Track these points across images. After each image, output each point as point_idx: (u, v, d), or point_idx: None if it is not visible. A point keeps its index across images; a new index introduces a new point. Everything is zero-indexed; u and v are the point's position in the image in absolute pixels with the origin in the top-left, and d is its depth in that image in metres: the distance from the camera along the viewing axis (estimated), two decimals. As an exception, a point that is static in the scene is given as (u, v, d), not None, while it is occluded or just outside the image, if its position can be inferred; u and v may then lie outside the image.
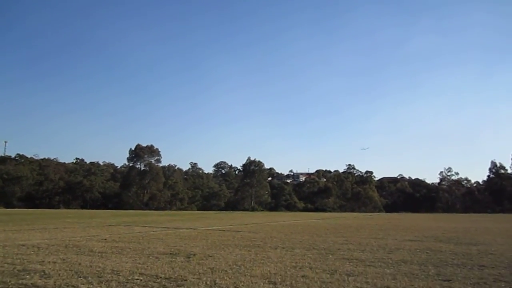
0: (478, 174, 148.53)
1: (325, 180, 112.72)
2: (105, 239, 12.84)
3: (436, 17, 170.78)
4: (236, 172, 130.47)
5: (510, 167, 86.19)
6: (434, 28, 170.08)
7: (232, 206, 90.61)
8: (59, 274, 6.66)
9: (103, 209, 76.35)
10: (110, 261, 8.17)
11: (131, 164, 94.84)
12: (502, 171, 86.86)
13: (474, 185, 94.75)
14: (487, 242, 13.11)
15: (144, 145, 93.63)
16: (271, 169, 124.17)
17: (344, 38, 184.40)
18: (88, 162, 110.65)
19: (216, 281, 6.19)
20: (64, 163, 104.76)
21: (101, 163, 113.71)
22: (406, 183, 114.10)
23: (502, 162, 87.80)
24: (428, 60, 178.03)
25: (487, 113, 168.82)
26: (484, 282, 6.39)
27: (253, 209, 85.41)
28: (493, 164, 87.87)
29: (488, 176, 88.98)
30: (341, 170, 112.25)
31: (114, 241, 12.20)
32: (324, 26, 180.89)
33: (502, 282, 6.37)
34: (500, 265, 8.15)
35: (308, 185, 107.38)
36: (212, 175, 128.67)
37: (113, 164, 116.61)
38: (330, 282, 6.23)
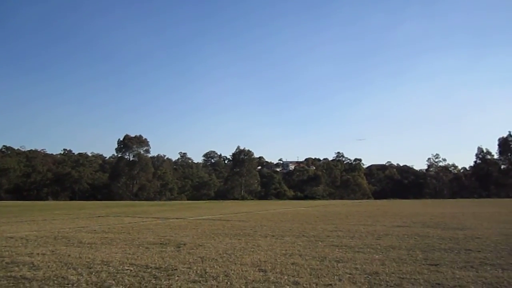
0: (465, 160, 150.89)
1: (314, 168, 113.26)
2: (95, 230, 12.79)
3: (424, 2, 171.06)
4: (226, 162, 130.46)
5: (496, 153, 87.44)
6: (422, 13, 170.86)
7: (222, 195, 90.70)
8: (48, 266, 6.63)
9: (92, 200, 75.87)
10: (100, 252, 8.15)
11: (119, 155, 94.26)
12: (489, 157, 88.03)
13: (461, 171, 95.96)
14: (474, 226, 13.32)
15: (133, 135, 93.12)
16: (260, 158, 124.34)
17: (332, 25, 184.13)
18: (76, 153, 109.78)
19: (207, 270, 6.22)
20: (52, 154, 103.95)
21: (90, 154, 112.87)
22: (395, 170, 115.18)
23: (488, 148, 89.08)
24: (416, 46, 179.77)
25: (474, 100, 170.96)
26: (470, 265, 6.50)
27: (243, 198, 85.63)
28: (480, 150, 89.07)
29: (475, 162, 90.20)
30: (330, 158, 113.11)
31: (103, 232, 12.16)
32: (311, 13, 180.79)
33: (488, 266, 6.48)
34: (486, 248, 8.29)
35: (297, 173, 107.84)
36: (201, 165, 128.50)
37: (101, 155, 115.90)
38: (319, 269, 6.29)
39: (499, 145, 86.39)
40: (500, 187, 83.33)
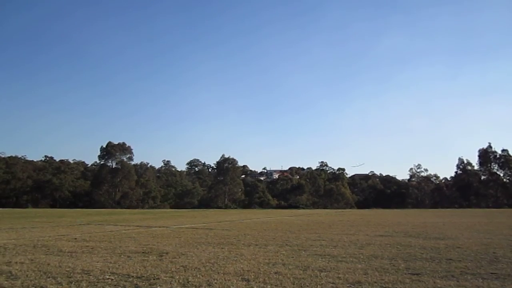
0: (446, 170, 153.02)
1: (298, 177, 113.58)
2: (75, 239, 12.59)
3: (407, 12, 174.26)
4: (210, 170, 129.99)
5: (477, 164, 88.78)
6: (404, 24, 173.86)
7: (205, 204, 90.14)
8: (27, 275, 6.50)
9: (73, 208, 74.68)
10: (81, 260, 8.03)
11: (102, 162, 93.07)
12: (469, 167, 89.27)
13: (443, 181, 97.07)
14: (454, 236, 13.49)
15: (116, 142, 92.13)
16: (244, 166, 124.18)
17: (316, 33, 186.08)
18: (57, 160, 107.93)
19: (189, 279, 6.17)
20: (33, 161, 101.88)
21: (71, 161, 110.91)
22: (377, 179, 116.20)
23: (469, 159, 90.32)
24: (397, 57, 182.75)
25: (455, 111, 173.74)
26: (451, 275, 6.58)
27: (226, 207, 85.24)
28: (461, 161, 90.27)
29: (456, 172, 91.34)
30: (314, 167, 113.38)
31: (84, 241, 11.98)
32: (295, 22, 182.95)
33: (469, 275, 6.56)
34: (466, 258, 8.40)
35: (281, 182, 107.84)
36: (185, 173, 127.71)
37: (83, 162, 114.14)
38: (302, 278, 6.29)
39: (479, 156, 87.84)
40: (480, 197, 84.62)
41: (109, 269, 7.05)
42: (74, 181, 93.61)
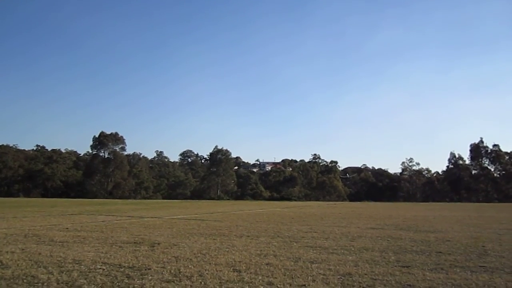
0: (438, 164, 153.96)
1: (290, 169, 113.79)
2: (67, 228, 12.56)
3: (401, 5, 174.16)
4: (203, 161, 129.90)
5: (468, 158, 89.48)
6: (398, 17, 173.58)
7: (198, 195, 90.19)
8: (18, 264, 6.48)
9: (65, 197, 74.41)
10: (72, 250, 8.01)
11: (94, 152, 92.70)
12: (460, 162, 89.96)
13: (434, 175, 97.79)
14: (445, 229, 13.61)
15: (108, 132, 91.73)
16: (237, 158, 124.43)
17: (310, 27, 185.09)
18: (49, 149, 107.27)
19: (181, 270, 6.18)
20: (24, 150, 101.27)
21: (63, 151, 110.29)
22: (370, 173, 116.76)
23: (460, 153, 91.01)
24: (391, 51, 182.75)
25: (448, 106, 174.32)
26: (441, 267, 6.65)
27: (219, 198, 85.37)
28: (452, 155, 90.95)
29: (447, 166, 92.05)
30: (306, 160, 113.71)
31: (76, 230, 11.95)
32: (289, 14, 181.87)
33: (458, 268, 6.63)
34: (456, 251, 8.48)
35: (274, 174, 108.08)
36: (178, 164, 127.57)
37: (75, 151, 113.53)
38: (294, 269, 6.33)
39: (470, 150, 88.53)
40: (471, 191, 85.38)
41: (100, 259, 7.05)
42: (66, 170, 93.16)
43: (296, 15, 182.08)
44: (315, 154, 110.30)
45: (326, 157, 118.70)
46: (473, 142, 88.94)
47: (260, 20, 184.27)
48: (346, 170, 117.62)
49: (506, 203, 68.56)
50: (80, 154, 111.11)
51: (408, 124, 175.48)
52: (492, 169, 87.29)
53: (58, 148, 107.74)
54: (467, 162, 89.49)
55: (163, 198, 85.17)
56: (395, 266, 6.76)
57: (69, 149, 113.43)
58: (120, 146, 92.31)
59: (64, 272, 5.92)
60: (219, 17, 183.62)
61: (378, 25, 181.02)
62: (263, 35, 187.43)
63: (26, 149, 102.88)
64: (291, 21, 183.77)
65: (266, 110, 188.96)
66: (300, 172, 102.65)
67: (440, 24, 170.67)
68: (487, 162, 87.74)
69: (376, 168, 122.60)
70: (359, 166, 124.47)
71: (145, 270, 6.15)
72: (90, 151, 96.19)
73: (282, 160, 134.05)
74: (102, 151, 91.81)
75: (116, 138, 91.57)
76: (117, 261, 6.81)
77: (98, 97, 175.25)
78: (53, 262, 6.72)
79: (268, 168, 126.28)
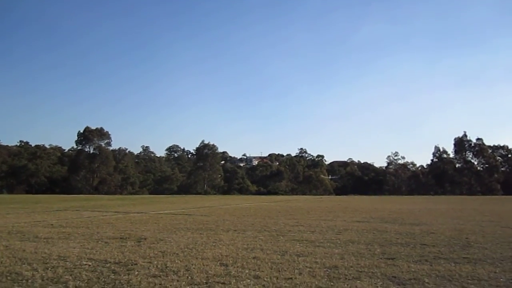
0: (422, 158, 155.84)
1: (277, 163, 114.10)
2: (52, 225, 12.43)
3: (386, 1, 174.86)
4: (189, 156, 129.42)
5: (452, 152, 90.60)
6: (384, 11, 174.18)
7: (184, 190, 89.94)
8: (1, 262, 6.40)
9: (49, 194, 73.55)
10: (57, 247, 7.94)
11: (79, 147, 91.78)
12: (445, 155, 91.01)
13: (419, 168, 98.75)
14: (429, 222, 13.79)
15: (94, 127, 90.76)
16: (224, 152, 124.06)
17: (295, 21, 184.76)
18: (33, 145, 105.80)
19: (167, 264, 6.17)
20: (7, 146, 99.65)
21: (48, 146, 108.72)
22: (356, 166, 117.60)
23: (444, 147, 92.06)
24: (376, 46, 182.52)
25: (432, 100, 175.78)
26: (425, 259, 6.75)
27: (206, 193, 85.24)
28: (437, 149, 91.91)
29: (432, 160, 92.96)
30: (293, 154, 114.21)
31: (61, 227, 11.84)
32: (275, 9, 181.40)
33: (442, 259, 6.74)
34: (440, 243, 8.61)
35: (260, 168, 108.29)
36: (164, 159, 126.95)
37: (60, 147, 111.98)
38: (280, 263, 6.36)
39: (454, 144, 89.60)
40: (455, 184, 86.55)
41: (86, 255, 7.00)
42: (50, 166, 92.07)
43: (282, 10, 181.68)
44: (301, 148, 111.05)
45: (313, 151, 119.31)
46: (457, 136, 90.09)
47: (247, 16, 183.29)
48: (332, 164, 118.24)
49: (489, 195, 69.78)
50: (65, 149, 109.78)
51: (393, 118, 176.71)
52: (476, 163, 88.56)
53: (42, 143, 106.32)
54: (451, 155, 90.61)
55: (150, 193, 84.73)
56: (381, 258, 6.85)
57: (54, 144, 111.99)
58: (105, 141, 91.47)
59: (49, 269, 5.87)
60: (206, 13, 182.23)
61: (363, 18, 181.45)
62: (249, 30, 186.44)
63: (9, 145, 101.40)
64: (277, 16, 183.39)
65: (253, 104, 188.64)
66: (287, 167, 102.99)
67: (425, 17, 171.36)
68: (470, 156, 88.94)
69: (362, 162, 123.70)
70: (345, 160, 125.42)
71: (132, 265, 6.12)
72: (75, 147, 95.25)
73: (269, 155, 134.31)
74: (87, 147, 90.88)
75: (101, 133, 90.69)
76: (103, 257, 6.78)
77: (84, 93, 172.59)
78: (38, 258, 6.66)
79: (255, 162, 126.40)
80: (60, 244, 8.24)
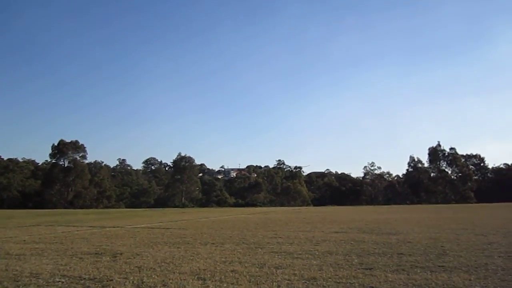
0: (398, 168, 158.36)
1: (255, 175, 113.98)
2: (24, 241, 12.10)
3: (360, 14, 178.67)
4: (166, 168, 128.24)
5: (426, 162, 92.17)
6: (357, 26, 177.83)
7: (162, 203, 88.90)
8: (-30, 280, 6.18)
9: (22, 208, 71.63)
10: (29, 263, 7.72)
11: (53, 161, 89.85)
12: (420, 165, 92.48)
13: (395, 178, 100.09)
14: (406, 231, 13.95)
15: (69, 140, 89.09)
16: (202, 165, 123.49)
17: (273, 30, 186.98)
18: (5, 158, 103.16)
19: (144, 280, 6.06)
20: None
21: (21, 160, 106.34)
22: (333, 177, 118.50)
23: (419, 157, 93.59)
24: (352, 58, 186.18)
25: (406, 111, 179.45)
26: (402, 268, 6.81)
27: (183, 206, 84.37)
28: (412, 158, 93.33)
29: (407, 170, 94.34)
30: (271, 166, 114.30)
31: (33, 242, 11.53)
32: (252, 18, 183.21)
33: (418, 268, 6.81)
34: (416, 252, 8.71)
35: (239, 180, 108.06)
36: (141, 172, 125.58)
37: (33, 160, 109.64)
38: (259, 276, 6.32)
39: (429, 154, 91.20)
40: (430, 193, 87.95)
41: (59, 271, 6.82)
42: (23, 180, 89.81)
43: (259, 27, 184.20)
44: (279, 160, 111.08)
45: (291, 162, 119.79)
46: (431, 146, 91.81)
47: (222, 33, 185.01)
48: (310, 175, 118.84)
49: (463, 204, 71.09)
50: (38, 163, 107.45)
51: (369, 129, 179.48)
52: (450, 172, 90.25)
53: (15, 157, 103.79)
54: (426, 165, 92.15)
55: (126, 207, 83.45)
56: (358, 268, 6.88)
57: (27, 158, 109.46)
58: (80, 154, 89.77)
59: (21, 287, 5.71)
60: (180, 25, 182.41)
61: (338, 34, 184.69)
62: (225, 41, 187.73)
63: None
64: (252, 25, 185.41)
65: (231, 116, 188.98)
66: (265, 178, 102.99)
67: (397, 32, 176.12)
68: (444, 165, 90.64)
69: (339, 172, 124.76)
70: (323, 171, 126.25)
71: (107, 281, 5.99)
72: (49, 160, 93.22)
73: (247, 166, 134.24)
74: (62, 160, 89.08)
75: (76, 146, 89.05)
76: (77, 273, 6.61)
77: (59, 107, 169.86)
78: (9, 276, 6.45)
79: (233, 174, 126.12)
80: (33, 261, 8.01)
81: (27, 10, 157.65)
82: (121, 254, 8.85)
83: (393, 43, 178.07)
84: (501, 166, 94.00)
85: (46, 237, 13.21)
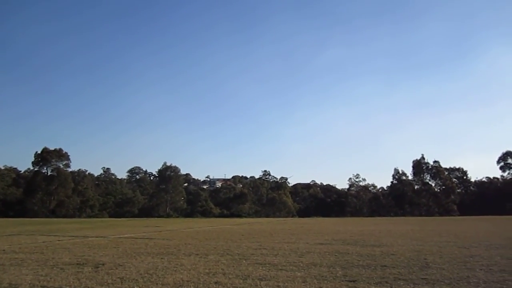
0: (383, 180, 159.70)
1: (241, 186, 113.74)
2: (4, 250, 11.86)
3: (347, 26, 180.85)
4: (151, 178, 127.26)
5: (411, 174, 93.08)
6: (345, 38, 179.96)
7: (146, 212, 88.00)
8: None
9: (3, 217, 70.26)
10: (8, 274, 7.56)
11: (36, 169, 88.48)
12: (404, 177, 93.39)
13: (380, 190, 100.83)
14: (389, 243, 14.03)
15: (52, 148, 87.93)
16: (187, 175, 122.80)
17: (261, 43, 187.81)
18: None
19: (126, 291, 5.98)
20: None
21: (2, 167, 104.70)
22: (318, 188, 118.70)
23: (404, 169, 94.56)
24: (338, 72, 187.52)
25: (390, 124, 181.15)
26: (385, 281, 6.83)
27: (168, 216, 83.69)
28: (396, 171, 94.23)
29: (392, 182, 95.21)
30: (257, 176, 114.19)
31: (13, 252, 11.31)
32: (241, 34, 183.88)
33: (401, 281, 6.85)
34: (400, 264, 8.76)
35: (224, 191, 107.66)
36: (125, 181, 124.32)
37: (15, 168, 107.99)
38: (242, 287, 6.29)
39: (413, 166, 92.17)
40: (414, 206, 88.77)
41: (39, 282, 6.69)
42: (4, 188, 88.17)
43: (246, 34, 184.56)
44: (265, 171, 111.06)
45: (276, 173, 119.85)
46: (415, 159, 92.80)
47: (207, 40, 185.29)
48: (296, 186, 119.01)
49: (446, 216, 71.86)
50: (20, 171, 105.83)
51: (354, 141, 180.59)
52: (433, 184, 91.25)
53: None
54: (410, 177, 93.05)
55: (110, 217, 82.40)
56: (342, 281, 6.88)
57: (8, 165, 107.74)
58: (64, 162, 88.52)
59: (-1, 298, 5.58)
60: (167, 29, 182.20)
61: (325, 44, 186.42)
62: (210, 50, 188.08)
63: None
64: (240, 42, 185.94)
65: (216, 126, 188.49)
66: (251, 189, 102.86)
67: (384, 41, 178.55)
68: (428, 178, 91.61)
69: (325, 184, 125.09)
70: (308, 182, 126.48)
71: (88, 292, 5.90)
72: (32, 168, 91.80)
73: (233, 177, 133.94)
74: (45, 168, 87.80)
75: (60, 154, 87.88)
76: (58, 284, 6.50)
77: (43, 114, 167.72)
78: (-13, 287, 6.32)
79: (219, 184, 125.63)
80: (12, 271, 7.85)
81: (8, 13, 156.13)
82: (103, 264, 8.73)
83: (379, 50, 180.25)
84: (483, 179, 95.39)
85: (27, 247, 12.97)
